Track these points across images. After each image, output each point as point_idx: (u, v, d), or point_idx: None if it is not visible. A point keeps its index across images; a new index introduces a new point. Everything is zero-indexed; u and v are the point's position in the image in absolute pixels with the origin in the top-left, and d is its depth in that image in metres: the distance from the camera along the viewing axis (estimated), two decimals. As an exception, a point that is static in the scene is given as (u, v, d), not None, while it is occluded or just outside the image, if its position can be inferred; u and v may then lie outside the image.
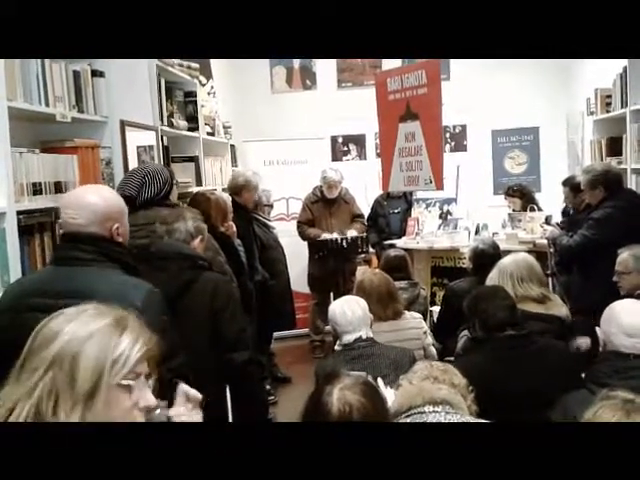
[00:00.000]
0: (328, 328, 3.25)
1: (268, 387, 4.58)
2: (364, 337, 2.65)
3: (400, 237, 5.51)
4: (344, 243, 5.30)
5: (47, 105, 2.52)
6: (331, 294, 5.34)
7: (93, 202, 1.78)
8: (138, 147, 3.44)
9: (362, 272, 3.55)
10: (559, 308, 3.14)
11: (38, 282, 1.81)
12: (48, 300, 1.68)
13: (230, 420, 2.44)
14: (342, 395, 1.46)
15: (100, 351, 0.96)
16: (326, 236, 5.33)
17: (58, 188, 2.57)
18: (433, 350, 3.17)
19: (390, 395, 1.84)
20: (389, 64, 6.38)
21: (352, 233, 5.39)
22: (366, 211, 5.89)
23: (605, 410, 1.34)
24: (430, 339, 3.24)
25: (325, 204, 5.46)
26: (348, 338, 2.66)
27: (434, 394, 1.72)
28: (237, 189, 4.14)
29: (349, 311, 2.68)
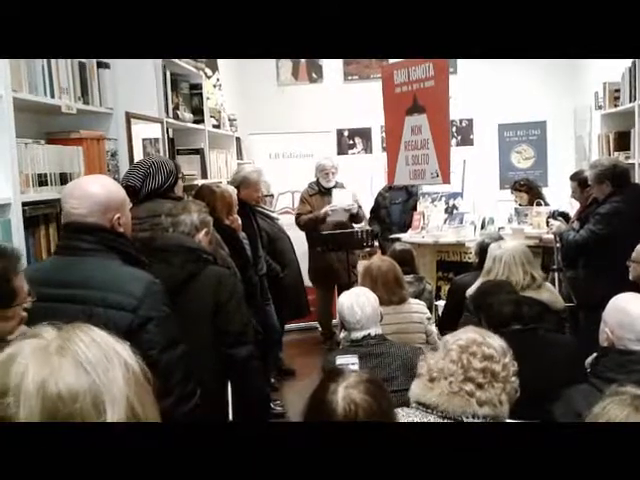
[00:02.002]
0: (335, 321, 3.23)
1: (272, 380, 4.60)
2: (373, 334, 2.59)
3: (401, 228, 5.51)
4: (347, 237, 5.28)
5: (52, 96, 2.52)
6: (335, 288, 5.33)
7: (94, 192, 1.78)
8: (144, 139, 3.44)
9: (369, 260, 3.52)
10: (541, 293, 3.15)
11: (41, 272, 1.82)
12: (50, 290, 1.69)
13: (230, 416, 2.42)
14: (347, 394, 1.43)
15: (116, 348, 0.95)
16: (328, 208, 5.27)
17: (63, 179, 2.57)
18: (436, 338, 3.16)
19: None
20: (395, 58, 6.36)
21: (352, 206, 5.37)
22: (372, 204, 5.88)
23: (614, 406, 1.32)
24: (434, 327, 3.24)
25: (322, 196, 5.44)
26: (356, 335, 2.61)
27: (477, 411, 1.63)
28: (236, 185, 4.13)
29: (358, 309, 2.60)
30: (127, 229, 1.86)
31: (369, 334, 2.59)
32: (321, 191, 5.46)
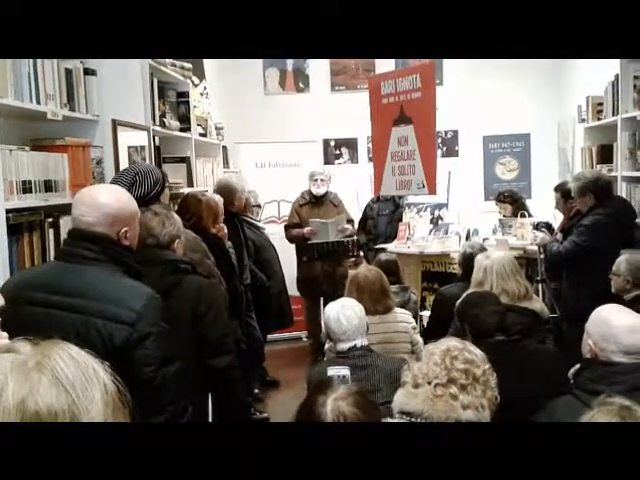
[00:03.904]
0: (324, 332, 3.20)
1: (257, 391, 4.58)
2: (359, 346, 2.57)
3: (387, 238, 5.53)
4: (335, 246, 5.28)
5: (38, 103, 2.50)
6: (321, 299, 5.32)
7: (105, 203, 1.76)
8: (129, 147, 3.42)
9: (355, 269, 3.51)
10: (534, 303, 3.20)
11: (40, 276, 1.80)
12: (49, 295, 1.67)
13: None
14: (336, 406, 1.43)
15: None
16: (317, 220, 5.26)
17: (48, 187, 2.54)
18: (421, 347, 3.16)
19: None
20: (382, 68, 6.41)
21: (337, 224, 5.33)
22: (357, 214, 5.90)
23: (601, 416, 1.34)
24: (419, 336, 3.24)
25: (313, 207, 5.43)
26: (342, 346, 2.58)
27: (460, 416, 1.63)
28: (224, 197, 4.10)
29: (344, 320, 2.58)
30: (133, 243, 1.84)
31: (355, 345, 2.57)
32: (312, 201, 5.44)
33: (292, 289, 5.36)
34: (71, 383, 0.83)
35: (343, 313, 2.60)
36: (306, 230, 5.28)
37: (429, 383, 1.67)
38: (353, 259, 5.48)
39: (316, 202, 5.43)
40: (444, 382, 1.66)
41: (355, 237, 5.48)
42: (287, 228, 5.49)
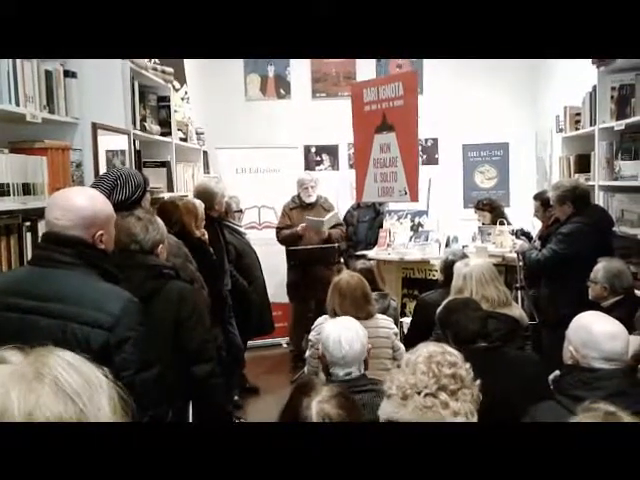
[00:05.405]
0: (310, 337, 3.16)
1: (236, 398, 4.54)
2: (355, 376, 2.34)
3: (367, 245, 5.55)
4: (318, 252, 5.27)
5: (17, 105, 2.46)
6: (312, 303, 5.28)
7: (80, 206, 1.73)
8: (107, 151, 3.38)
9: (337, 276, 3.48)
10: (513, 309, 3.22)
11: (15, 281, 1.76)
12: (24, 301, 1.64)
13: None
14: (321, 409, 1.43)
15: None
16: (312, 218, 5.27)
17: (26, 190, 2.50)
18: (403, 353, 3.15)
19: None
20: (362, 76, 6.44)
21: (330, 222, 5.33)
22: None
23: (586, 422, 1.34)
24: (400, 343, 3.24)
25: (303, 210, 5.44)
26: (337, 372, 2.35)
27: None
28: (204, 202, 4.06)
29: (346, 344, 2.33)
30: (109, 247, 1.81)
31: (350, 374, 2.35)
32: (302, 205, 5.46)
33: (273, 295, 5.34)
34: (76, 392, 0.81)
35: (346, 336, 2.36)
36: (300, 227, 5.28)
37: (418, 394, 1.65)
38: (335, 265, 5.47)
39: (306, 206, 5.46)
40: (434, 391, 1.64)
41: (337, 244, 5.48)
42: (279, 230, 5.48)
